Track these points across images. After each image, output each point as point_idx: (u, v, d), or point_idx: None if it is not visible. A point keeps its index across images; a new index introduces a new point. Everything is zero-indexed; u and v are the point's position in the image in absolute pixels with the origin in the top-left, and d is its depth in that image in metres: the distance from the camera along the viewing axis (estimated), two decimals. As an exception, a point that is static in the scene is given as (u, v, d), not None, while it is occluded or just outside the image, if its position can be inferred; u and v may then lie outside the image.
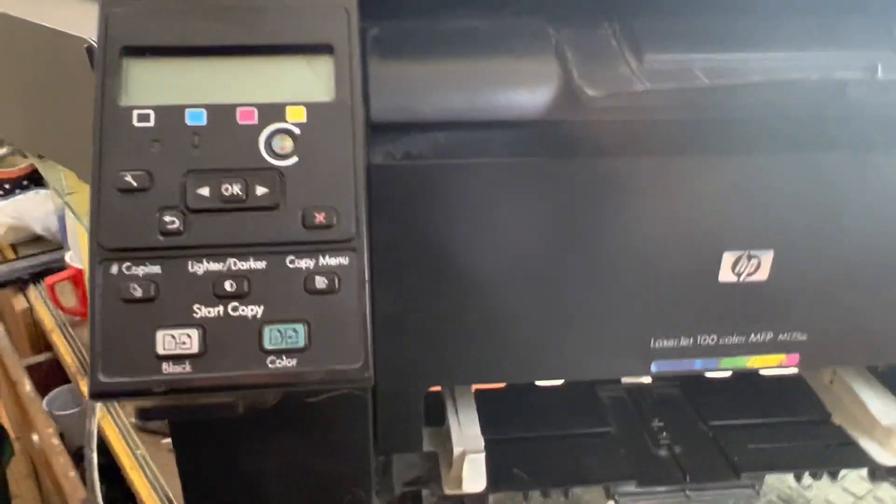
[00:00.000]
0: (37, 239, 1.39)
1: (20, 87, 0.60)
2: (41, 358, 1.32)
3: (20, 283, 1.31)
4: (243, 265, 0.32)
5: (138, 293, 0.32)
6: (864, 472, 0.56)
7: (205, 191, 0.32)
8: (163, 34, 0.34)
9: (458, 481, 0.49)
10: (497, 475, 0.51)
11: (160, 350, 0.32)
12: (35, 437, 1.17)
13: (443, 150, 0.39)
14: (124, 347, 0.31)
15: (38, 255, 1.35)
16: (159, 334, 0.32)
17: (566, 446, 0.54)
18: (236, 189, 0.32)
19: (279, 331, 0.32)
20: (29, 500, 1.48)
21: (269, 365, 0.32)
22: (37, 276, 1.31)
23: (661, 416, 0.57)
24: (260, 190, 0.32)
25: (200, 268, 0.32)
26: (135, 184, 0.32)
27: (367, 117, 0.38)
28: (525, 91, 0.39)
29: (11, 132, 0.72)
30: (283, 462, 0.44)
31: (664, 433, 0.56)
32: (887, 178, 0.41)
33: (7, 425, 1.47)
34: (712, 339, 0.45)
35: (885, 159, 0.41)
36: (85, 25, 0.46)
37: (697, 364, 0.46)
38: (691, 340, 0.45)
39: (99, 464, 0.73)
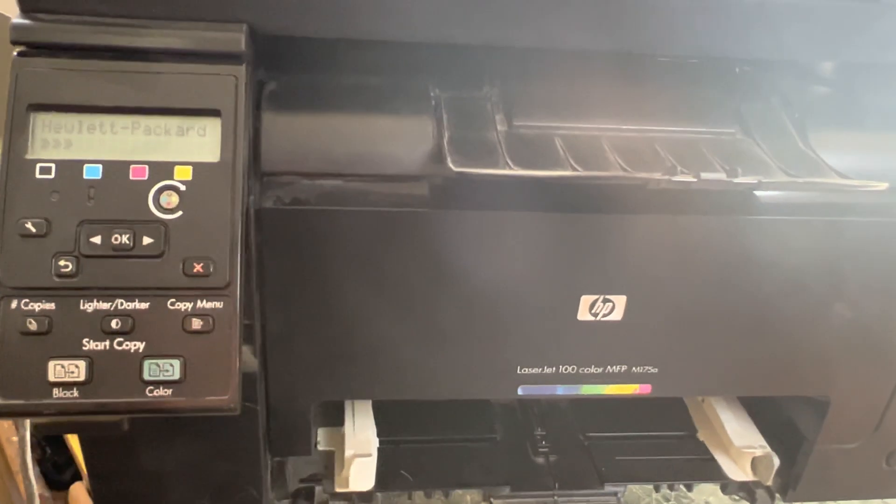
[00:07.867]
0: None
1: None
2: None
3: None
4: (129, 305, 0.37)
5: (34, 327, 0.36)
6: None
7: (97, 239, 0.37)
8: (67, 93, 0.38)
9: (348, 481, 0.55)
10: (385, 475, 0.56)
11: (51, 377, 0.36)
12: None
13: (327, 198, 0.43)
14: (20, 374, 0.36)
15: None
16: (51, 364, 0.36)
17: (453, 451, 0.60)
18: (125, 239, 0.37)
19: (157, 364, 0.37)
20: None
21: (148, 394, 0.37)
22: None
23: (545, 425, 0.63)
24: (146, 240, 0.37)
25: (90, 306, 0.37)
26: (34, 230, 0.36)
27: (259, 166, 0.43)
28: (400, 149, 0.43)
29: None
30: (182, 461, 0.49)
31: (544, 441, 0.62)
32: (729, 238, 0.46)
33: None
34: (573, 369, 0.50)
35: (727, 222, 0.46)
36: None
37: (560, 390, 0.51)
38: (554, 369, 0.50)
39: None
